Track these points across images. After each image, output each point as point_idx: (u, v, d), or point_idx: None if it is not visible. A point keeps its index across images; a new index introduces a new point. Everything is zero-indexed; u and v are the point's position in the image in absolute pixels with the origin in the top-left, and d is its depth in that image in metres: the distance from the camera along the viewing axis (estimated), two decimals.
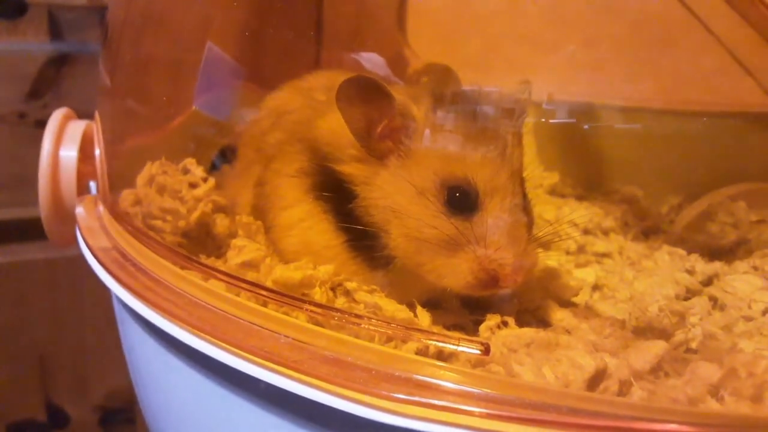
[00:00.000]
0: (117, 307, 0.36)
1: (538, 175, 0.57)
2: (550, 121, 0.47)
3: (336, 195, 0.32)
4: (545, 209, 0.50)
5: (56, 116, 0.42)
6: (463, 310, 0.33)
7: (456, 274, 0.30)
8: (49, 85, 0.79)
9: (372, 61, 0.36)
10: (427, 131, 0.31)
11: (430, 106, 0.31)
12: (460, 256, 0.29)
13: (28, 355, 0.82)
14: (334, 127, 0.33)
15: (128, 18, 0.43)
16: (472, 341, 0.25)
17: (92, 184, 0.43)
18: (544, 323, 0.33)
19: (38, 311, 0.81)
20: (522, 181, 0.32)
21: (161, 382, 0.33)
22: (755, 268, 0.40)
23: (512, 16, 0.47)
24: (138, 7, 0.44)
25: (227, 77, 0.43)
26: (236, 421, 0.28)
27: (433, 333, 0.27)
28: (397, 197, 0.30)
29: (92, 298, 0.81)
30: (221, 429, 0.29)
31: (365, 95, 0.30)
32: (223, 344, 0.26)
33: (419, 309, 0.29)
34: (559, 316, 0.33)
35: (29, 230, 0.75)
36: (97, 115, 0.43)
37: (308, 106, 0.37)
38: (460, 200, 0.30)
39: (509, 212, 0.30)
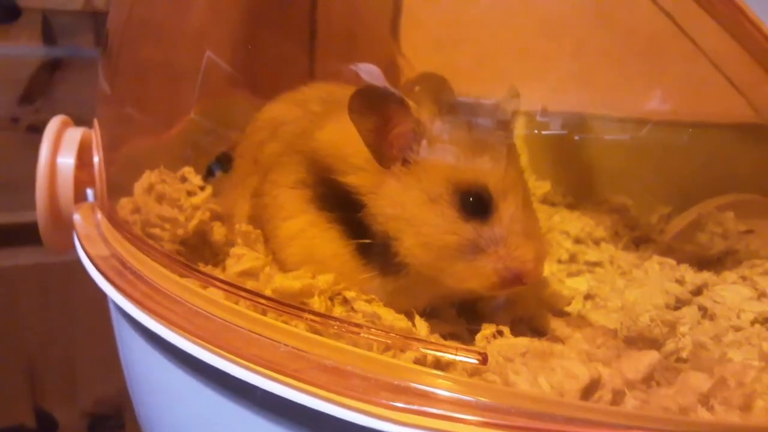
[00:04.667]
0: (114, 314, 0.36)
1: (530, 184, 0.57)
2: (543, 132, 0.48)
3: (340, 205, 0.32)
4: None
5: (54, 123, 0.42)
6: (460, 320, 0.34)
7: (480, 276, 0.30)
8: (42, 90, 0.78)
9: (369, 72, 0.36)
10: (436, 139, 0.31)
11: (435, 113, 0.31)
12: (482, 259, 0.30)
13: (17, 360, 0.81)
14: (334, 138, 0.33)
15: (128, 26, 0.43)
16: (469, 351, 0.26)
17: (89, 192, 0.43)
18: (538, 332, 0.33)
19: (28, 316, 0.81)
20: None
21: (159, 390, 0.33)
22: (744, 278, 0.40)
23: (505, 26, 0.48)
24: (138, 16, 0.44)
25: (224, 85, 0.44)
26: (235, 430, 0.28)
27: (431, 342, 0.27)
28: (409, 206, 0.31)
29: (83, 304, 0.80)
30: None
31: (379, 104, 0.30)
32: (223, 352, 0.27)
33: (417, 318, 0.30)
34: (553, 325, 0.33)
35: (20, 235, 0.74)
36: (95, 122, 0.43)
37: (305, 117, 0.37)
38: (475, 204, 0.30)
39: (523, 210, 0.31)
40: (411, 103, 0.31)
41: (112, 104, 0.44)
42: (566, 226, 0.50)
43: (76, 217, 0.40)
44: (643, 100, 0.50)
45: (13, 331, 0.80)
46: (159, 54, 0.44)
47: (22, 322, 0.81)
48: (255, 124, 0.41)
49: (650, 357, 0.26)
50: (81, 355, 0.83)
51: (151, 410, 0.35)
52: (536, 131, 0.47)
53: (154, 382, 0.33)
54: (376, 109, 0.30)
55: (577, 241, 0.49)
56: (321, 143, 0.33)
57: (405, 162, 0.31)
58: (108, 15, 0.48)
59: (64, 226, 0.41)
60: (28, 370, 0.82)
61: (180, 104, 0.43)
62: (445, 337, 0.31)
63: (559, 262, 0.46)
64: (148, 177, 0.38)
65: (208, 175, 0.45)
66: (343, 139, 0.32)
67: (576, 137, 0.52)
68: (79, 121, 0.46)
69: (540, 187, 0.58)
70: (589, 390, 0.24)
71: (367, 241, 0.31)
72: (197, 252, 0.37)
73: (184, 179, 0.38)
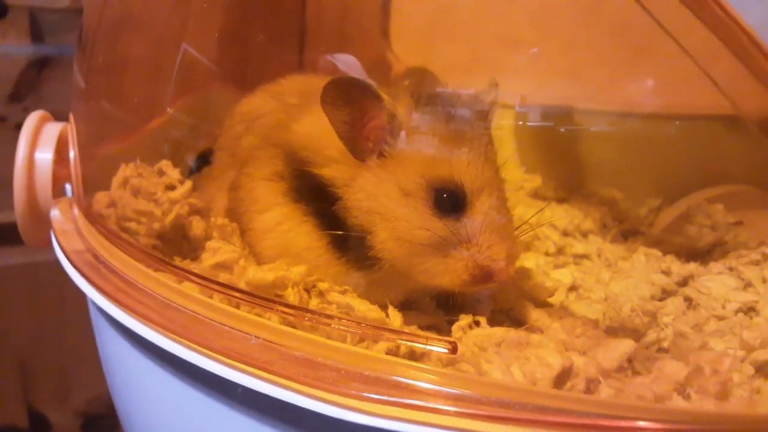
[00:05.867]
0: (92, 309, 0.36)
1: (520, 178, 0.57)
2: (530, 124, 0.48)
3: (316, 198, 0.32)
4: (527, 212, 0.50)
5: (32, 118, 0.42)
6: (439, 311, 0.33)
7: (451, 273, 0.30)
8: (29, 87, 0.78)
9: (347, 63, 0.36)
10: (412, 133, 0.31)
11: (412, 107, 0.31)
12: (454, 256, 0.30)
13: (9, 360, 0.81)
14: (310, 131, 0.33)
15: (104, 20, 0.43)
16: (440, 340, 0.26)
17: (68, 187, 0.42)
18: (518, 323, 0.33)
19: (20, 316, 0.80)
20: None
21: (135, 384, 0.33)
22: (730, 269, 0.40)
23: (494, 21, 0.48)
24: (114, 9, 0.43)
25: (203, 80, 0.43)
26: (208, 422, 0.28)
27: (403, 332, 0.27)
28: (383, 199, 0.30)
29: (74, 303, 0.79)
30: (194, 430, 0.29)
31: (352, 96, 0.30)
32: (195, 345, 0.26)
33: (391, 309, 0.29)
34: (534, 316, 0.33)
35: (10, 234, 0.74)
36: (71, 117, 0.43)
37: (281, 110, 0.37)
38: (449, 201, 0.30)
39: (497, 209, 0.31)
40: (385, 96, 0.30)
41: (88, 99, 0.43)
42: (554, 218, 0.49)
43: (54, 212, 0.39)
44: (632, 93, 0.49)
45: (4, 331, 0.80)
46: (136, 49, 0.44)
47: (14, 322, 0.80)
48: (233, 117, 0.41)
49: (625, 346, 0.26)
50: (73, 355, 0.83)
51: (128, 404, 0.34)
52: (524, 123, 0.46)
53: (130, 376, 0.33)
54: (349, 101, 0.30)
55: (565, 233, 0.49)
56: (297, 135, 0.33)
57: (380, 155, 0.31)
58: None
59: (42, 221, 0.41)
60: (21, 370, 0.82)
61: (158, 100, 0.43)
62: (423, 329, 0.30)
63: (546, 254, 0.46)
64: (123, 171, 0.37)
65: (190, 173, 0.44)
66: (318, 131, 0.31)
67: (562, 129, 0.51)
68: (68, 118, 0.45)
69: (530, 180, 0.58)
70: (562, 379, 0.24)
71: (342, 234, 0.31)
72: (176, 247, 0.37)
73: (161, 173, 0.38)
